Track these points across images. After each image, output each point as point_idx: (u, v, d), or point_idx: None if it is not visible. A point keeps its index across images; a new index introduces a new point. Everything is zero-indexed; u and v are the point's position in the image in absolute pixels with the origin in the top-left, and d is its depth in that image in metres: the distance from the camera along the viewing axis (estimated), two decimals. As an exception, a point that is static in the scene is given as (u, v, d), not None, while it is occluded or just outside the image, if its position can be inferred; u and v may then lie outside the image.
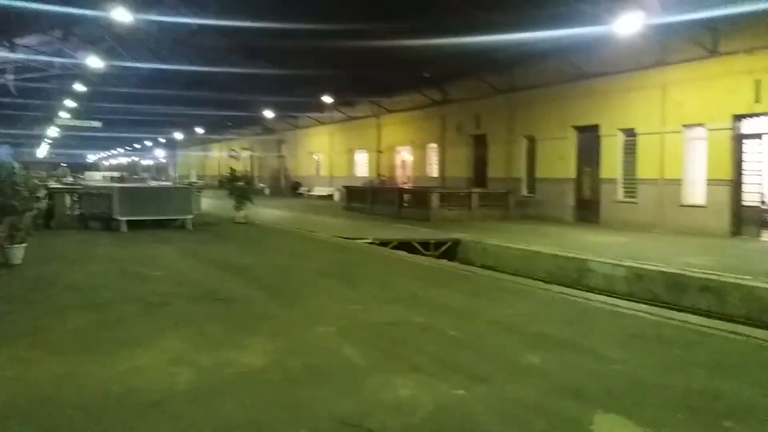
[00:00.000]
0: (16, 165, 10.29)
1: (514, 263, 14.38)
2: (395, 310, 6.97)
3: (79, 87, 33.57)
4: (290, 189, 47.66)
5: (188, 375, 4.57)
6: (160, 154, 79.59)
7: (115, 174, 64.90)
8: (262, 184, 46.78)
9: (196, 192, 17.84)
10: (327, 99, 34.21)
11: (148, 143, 75.31)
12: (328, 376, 4.58)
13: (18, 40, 27.43)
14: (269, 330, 6.00)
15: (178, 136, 61.24)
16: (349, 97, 35.75)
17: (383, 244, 15.60)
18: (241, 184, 19.47)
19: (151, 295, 7.58)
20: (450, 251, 16.73)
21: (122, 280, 8.63)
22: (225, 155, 62.41)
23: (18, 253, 9.76)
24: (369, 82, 32.64)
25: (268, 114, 40.98)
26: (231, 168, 21.38)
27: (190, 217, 16.51)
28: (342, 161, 42.51)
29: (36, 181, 12.05)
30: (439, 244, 16.74)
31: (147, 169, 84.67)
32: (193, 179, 58.93)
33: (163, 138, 66.76)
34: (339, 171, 42.89)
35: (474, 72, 27.44)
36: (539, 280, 10.81)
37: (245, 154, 57.82)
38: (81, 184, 26.72)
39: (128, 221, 15.32)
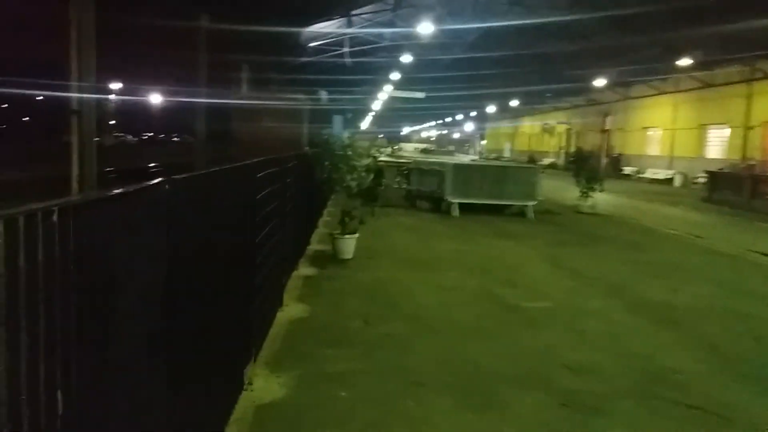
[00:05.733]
0: (343, 136, 8.26)
1: None
2: None
3: (404, 58, 33.45)
4: (612, 169, 41.24)
5: None
6: (469, 127, 79.90)
7: (424, 146, 67.13)
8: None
9: (540, 174, 14.34)
10: (680, 62, 27.24)
11: (460, 116, 76.09)
12: None
13: (355, 12, 27.91)
14: None
15: (490, 109, 59.53)
16: (709, 59, 27.92)
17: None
18: (591, 164, 15.33)
19: (561, 371, 4.21)
20: None
21: (490, 317, 5.54)
22: (537, 129, 58.45)
23: (350, 245, 7.60)
24: (741, 36, 24.62)
25: (597, 82, 35.32)
26: (578, 146, 17.21)
27: (533, 204, 13.17)
28: (688, 138, 34.53)
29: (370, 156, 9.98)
30: None
31: (454, 142, 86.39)
32: (506, 154, 56.76)
33: (475, 111, 66.16)
34: (683, 150, 35.03)
35: None
36: None
37: (561, 128, 52.90)
38: (404, 157, 25.99)
39: (460, 204, 12.71)
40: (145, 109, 54.02)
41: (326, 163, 7.79)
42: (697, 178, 30.75)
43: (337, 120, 26.98)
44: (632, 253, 9.58)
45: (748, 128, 28.95)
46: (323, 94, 30.27)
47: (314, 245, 8.38)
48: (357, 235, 7.72)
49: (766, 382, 4.18)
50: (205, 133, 20.57)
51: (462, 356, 4.42)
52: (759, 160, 28.17)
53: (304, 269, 6.86)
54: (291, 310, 5.24)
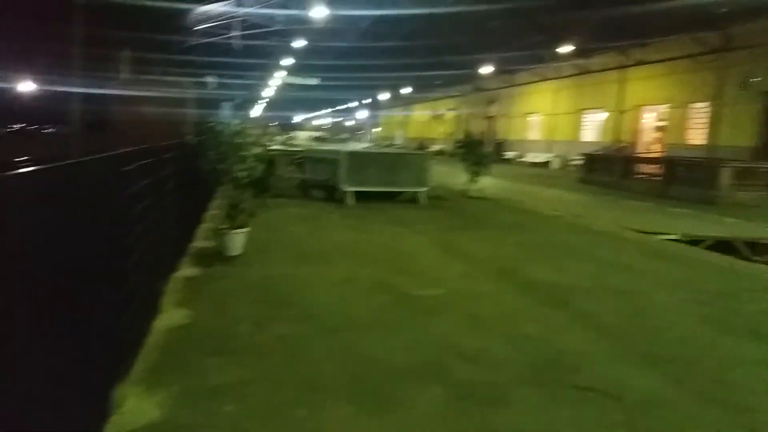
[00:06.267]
0: (232, 124, 7.72)
1: None
2: None
3: (297, 43, 32.67)
4: (495, 153, 43.11)
5: None
6: (362, 115, 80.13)
7: (317, 134, 66.44)
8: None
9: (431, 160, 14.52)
10: (558, 49, 28.87)
11: (353, 104, 76.04)
12: None
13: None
14: None
15: (383, 96, 60.04)
16: (587, 46, 29.79)
17: (693, 242, 10.84)
18: (479, 150, 15.76)
19: (458, 361, 4.14)
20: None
21: (386, 308, 5.39)
22: (427, 116, 59.79)
23: (238, 240, 7.16)
24: (615, 25, 26.54)
25: (483, 70, 36.61)
26: (466, 132, 17.62)
27: (425, 190, 13.31)
28: (566, 123, 36.82)
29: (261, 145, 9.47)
30: (775, 247, 11.41)
31: (347, 130, 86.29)
32: (398, 141, 57.48)
33: (368, 99, 66.39)
34: (561, 134, 37.32)
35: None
36: None
37: (450, 115, 54.45)
38: (298, 146, 25.42)
39: (355, 192, 12.56)
40: (14, 98, 48.63)
41: (212, 152, 7.24)
42: (573, 160, 32.89)
43: (227, 107, 25.81)
44: (519, 235, 9.92)
45: (621, 112, 31.34)
46: (212, 80, 28.75)
47: (199, 242, 7.83)
48: (247, 229, 7.28)
49: (649, 357, 4.38)
50: (80, 123, 18.79)
51: (359, 354, 4.23)
52: (630, 142, 30.65)
53: (186, 270, 6.33)
54: (170, 316, 4.77)
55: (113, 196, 3.44)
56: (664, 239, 10.82)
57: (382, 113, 74.65)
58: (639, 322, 5.23)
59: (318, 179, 13.54)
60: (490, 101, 47.37)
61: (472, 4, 26.31)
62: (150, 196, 4.47)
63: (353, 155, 13.17)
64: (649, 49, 27.68)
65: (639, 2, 22.28)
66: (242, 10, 27.60)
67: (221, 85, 30.74)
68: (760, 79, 22.36)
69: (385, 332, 4.71)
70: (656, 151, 28.29)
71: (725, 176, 17.45)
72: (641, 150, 30.30)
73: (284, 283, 6.05)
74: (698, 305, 5.82)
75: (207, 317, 4.85)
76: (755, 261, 10.42)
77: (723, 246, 10.84)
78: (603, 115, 33.46)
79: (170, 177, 5.68)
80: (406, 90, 52.91)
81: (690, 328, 5.11)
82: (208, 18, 28.95)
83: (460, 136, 18.14)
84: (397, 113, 67.87)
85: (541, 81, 38.81)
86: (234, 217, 7.14)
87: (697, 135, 26.49)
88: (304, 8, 26.84)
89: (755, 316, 5.56)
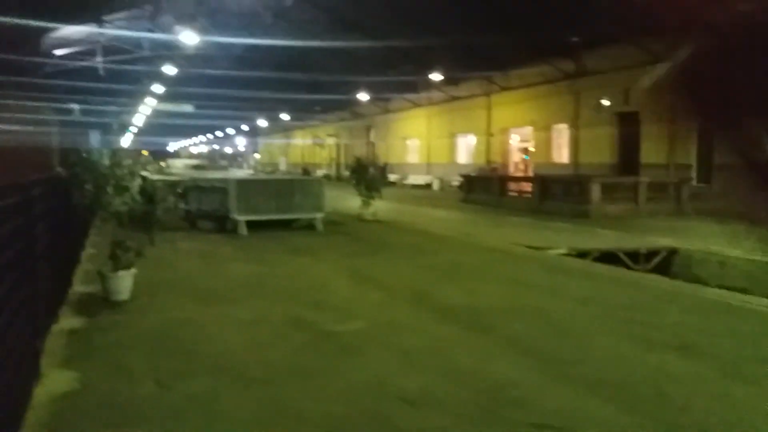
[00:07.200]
0: (106, 153, 6.89)
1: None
2: None
3: (168, 70, 31.08)
4: (380, 177, 43.89)
5: None
6: (241, 142, 78.02)
7: (196, 162, 63.65)
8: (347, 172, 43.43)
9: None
10: (429, 77, 30.11)
11: (231, 131, 73.80)
12: None
13: (107, 17, 24.92)
14: None
15: (262, 123, 58.93)
16: (454, 74, 31.35)
17: (581, 255, 11.50)
18: (371, 174, 15.72)
19: (399, 406, 3.80)
20: (663, 264, 12.39)
21: (305, 349, 4.93)
22: (309, 143, 59.55)
23: (124, 283, 6.32)
24: (479, 56, 28.26)
25: (359, 96, 37.23)
26: (356, 157, 17.61)
27: (321, 216, 12.94)
28: (442, 147, 38.32)
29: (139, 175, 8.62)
30: (650, 255, 12.40)
31: (226, 157, 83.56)
32: (282, 167, 56.47)
33: (247, 125, 64.78)
34: (438, 157, 38.75)
35: (625, 36, 22.58)
36: None
37: (330, 141, 54.64)
38: (175, 174, 23.93)
39: (247, 221, 11.89)
40: None
41: (87, 186, 6.37)
42: (452, 181, 34.27)
43: (95, 136, 23.72)
44: (420, 258, 9.86)
45: (489, 135, 33.19)
46: (75, 106, 26.37)
47: (78, 286, 6.84)
48: (133, 270, 6.46)
49: (588, 381, 4.28)
50: None
51: (284, 408, 3.75)
52: (500, 163, 32.50)
53: (67, 320, 5.44)
54: (54, 381, 3.97)
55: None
56: (556, 254, 11.32)
57: (262, 140, 73.22)
58: (565, 343, 5.23)
59: (205, 209, 12.67)
60: (369, 126, 48.23)
61: (341, 35, 26.76)
62: (16, 242, 3.70)
63: (243, 183, 12.52)
64: (512, 76, 29.65)
65: (501, 32, 23.85)
66: (108, 32, 25.67)
67: (88, 112, 28.27)
68: (609, 103, 24.73)
69: (310, 379, 4.27)
70: (526, 170, 30.27)
71: (595, 191, 18.89)
72: (512, 169, 32.27)
73: (185, 330, 5.38)
74: (614, 321, 5.91)
75: (99, 379, 4.10)
76: (638, 270, 11.24)
77: (608, 257, 11.54)
78: (474, 139, 35.27)
79: (40, 217, 4.84)
80: (285, 116, 52.36)
81: (615, 347, 5.11)
82: (68, 42, 26.60)
83: (343, 160, 18.11)
84: (278, 140, 66.94)
85: (414, 107, 40.25)
86: (119, 257, 6.30)
87: (561, 154, 28.67)
88: (172, 33, 25.59)
89: (670, 328, 5.68)
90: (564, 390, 4.13)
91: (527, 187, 22.41)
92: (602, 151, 25.22)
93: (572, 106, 26.88)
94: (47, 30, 23.02)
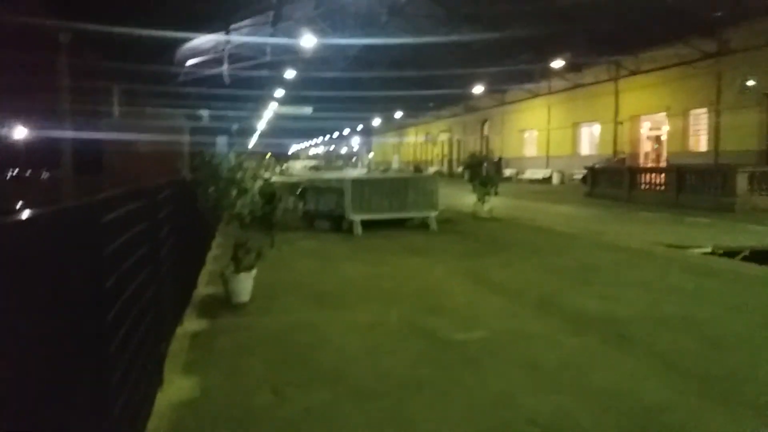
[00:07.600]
0: (233, 156, 7.04)
1: None
2: None
3: (288, 74, 32.39)
4: (495, 172, 42.69)
5: None
6: (356, 141, 79.87)
7: (313, 163, 66.11)
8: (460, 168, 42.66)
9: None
10: (550, 64, 28.57)
11: (346, 131, 75.83)
12: None
13: (233, 25, 26.42)
14: None
15: (375, 122, 59.86)
16: (578, 60, 29.53)
17: (728, 254, 10.17)
18: (485, 169, 15.12)
19: (531, 430, 3.36)
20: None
21: (424, 359, 4.62)
22: (421, 140, 59.55)
23: (245, 285, 6.40)
24: (606, 39, 26.30)
25: (473, 90, 36.34)
26: (470, 152, 17.06)
27: (434, 214, 12.61)
28: (562, 138, 36.43)
29: (260, 177, 8.77)
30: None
31: (342, 157, 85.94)
32: (395, 165, 56.98)
33: (361, 125, 66.18)
34: (558, 149, 36.91)
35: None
36: None
37: (443, 136, 54.17)
38: (295, 176, 24.79)
39: (362, 221, 11.85)
40: (9, 145, 47.96)
41: (211, 189, 6.53)
42: (574, 174, 32.41)
43: (222, 140, 25.24)
44: (544, 258, 9.18)
45: (617, 123, 30.94)
46: (205, 114, 28.34)
47: (202, 288, 7.07)
48: (254, 271, 6.53)
49: (754, 403, 3.62)
50: (72, 166, 18.14)
51: (404, 428, 3.46)
52: (628, 153, 30.19)
53: (190, 323, 5.57)
54: (175, 388, 3.99)
55: (89, 257, 2.68)
56: (700, 253, 10.12)
57: (375, 139, 74.44)
58: (721, 359, 4.48)
59: (322, 210, 12.83)
60: (484, 120, 47.09)
61: (458, 28, 26.12)
62: (142, 245, 3.73)
63: (358, 182, 12.49)
64: (643, 59, 27.38)
65: (629, 12, 22.04)
66: (234, 39, 27.24)
67: (215, 118, 30.27)
68: (754, 83, 21.99)
69: (431, 394, 3.94)
70: (657, 160, 27.85)
71: (742, 181, 16.88)
72: (642, 160, 29.86)
73: (301, 334, 5.28)
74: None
75: (219, 386, 4.06)
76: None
77: (761, 256, 10.14)
78: (598, 128, 33.10)
79: (166, 220, 4.95)
80: (398, 114, 52.70)
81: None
82: (198, 52, 28.61)
83: (456, 156, 17.62)
84: (391, 138, 67.67)
85: (533, 97, 38.59)
86: (240, 259, 6.39)
87: (699, 141, 26.06)
88: (292, 38, 26.56)
89: None
90: (729, 416, 3.47)
91: (660, 178, 20.55)
92: (747, 137, 22.55)
93: (713, 88, 24.31)
94: (182, 41, 24.87)
